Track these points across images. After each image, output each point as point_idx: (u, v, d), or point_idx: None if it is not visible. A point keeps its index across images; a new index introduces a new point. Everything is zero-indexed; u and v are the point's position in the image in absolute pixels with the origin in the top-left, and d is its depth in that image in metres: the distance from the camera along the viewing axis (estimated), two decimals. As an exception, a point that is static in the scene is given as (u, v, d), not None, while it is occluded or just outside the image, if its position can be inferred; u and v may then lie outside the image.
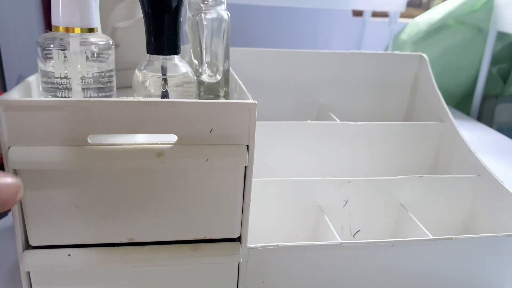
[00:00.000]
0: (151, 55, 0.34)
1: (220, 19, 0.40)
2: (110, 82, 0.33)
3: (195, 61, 0.41)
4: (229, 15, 0.40)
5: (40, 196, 0.30)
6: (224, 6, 0.40)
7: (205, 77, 0.41)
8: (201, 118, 0.30)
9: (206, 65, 0.40)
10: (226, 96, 0.43)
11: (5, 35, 0.81)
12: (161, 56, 0.34)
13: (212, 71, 0.41)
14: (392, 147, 0.56)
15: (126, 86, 0.35)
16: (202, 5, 0.39)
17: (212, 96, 0.42)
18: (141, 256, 0.32)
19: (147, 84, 0.33)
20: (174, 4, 0.32)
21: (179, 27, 0.33)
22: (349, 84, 0.64)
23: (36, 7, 0.82)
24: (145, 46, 0.34)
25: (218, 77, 0.41)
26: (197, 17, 0.39)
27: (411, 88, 0.65)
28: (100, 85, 0.32)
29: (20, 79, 0.80)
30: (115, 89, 0.34)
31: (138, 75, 0.34)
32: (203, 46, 0.40)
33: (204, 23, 0.39)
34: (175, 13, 0.32)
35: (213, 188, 0.32)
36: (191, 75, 0.35)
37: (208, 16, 0.39)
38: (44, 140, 0.28)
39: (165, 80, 0.34)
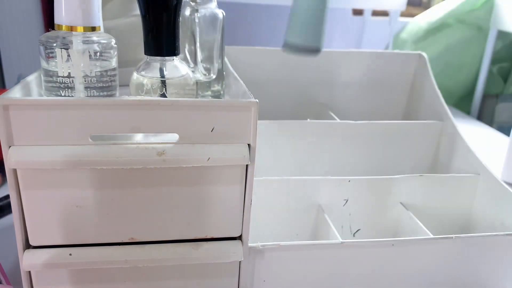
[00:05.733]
0: (148, 56, 0.33)
1: (214, 17, 0.40)
2: (113, 81, 0.33)
3: (190, 60, 0.41)
4: (224, 14, 0.40)
5: (41, 195, 0.30)
6: (215, 4, 0.40)
7: (199, 76, 0.41)
8: (202, 117, 0.30)
9: (200, 63, 0.40)
10: (221, 94, 0.43)
11: (5, 35, 0.81)
12: (159, 58, 0.33)
13: (206, 70, 0.41)
14: (392, 146, 0.56)
15: (120, 84, 0.35)
16: (192, 3, 0.39)
17: (208, 94, 0.42)
18: (143, 256, 0.32)
19: (145, 87, 0.33)
20: (173, 2, 0.31)
21: (178, 27, 0.33)
22: (348, 83, 0.64)
23: (36, 7, 0.82)
24: (138, 44, 0.33)
25: (213, 76, 0.41)
26: (191, 15, 0.39)
27: (410, 87, 0.65)
28: (102, 84, 0.32)
29: (19, 78, 0.80)
30: (117, 88, 0.34)
31: (136, 77, 0.33)
32: (197, 44, 0.40)
33: (196, 21, 0.39)
34: (174, 12, 0.31)
35: (215, 187, 0.32)
36: (190, 76, 0.34)
37: (201, 14, 0.39)
38: (44, 139, 0.28)
39: (163, 82, 0.33)
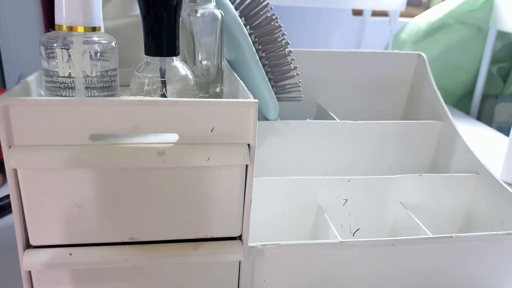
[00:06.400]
0: (149, 57, 0.33)
1: (212, 17, 0.40)
2: (113, 81, 0.33)
3: (189, 60, 0.41)
4: (223, 14, 0.40)
5: (41, 195, 0.30)
6: (214, 4, 0.40)
7: (198, 75, 0.41)
8: (202, 117, 0.30)
9: (199, 64, 0.40)
10: (220, 94, 0.43)
11: (5, 35, 0.81)
12: (159, 58, 0.33)
13: (205, 70, 0.41)
14: (391, 146, 0.56)
15: (121, 85, 0.35)
16: (191, 3, 0.40)
17: (207, 95, 0.42)
18: (143, 255, 0.32)
19: (145, 87, 0.33)
20: (173, 3, 0.31)
21: (178, 27, 0.33)
22: (348, 83, 0.64)
23: (36, 7, 0.82)
24: (137, 44, 0.33)
25: (212, 76, 0.41)
26: (190, 16, 0.39)
27: (410, 87, 0.66)
28: (103, 84, 0.32)
29: (20, 78, 0.80)
30: (118, 88, 0.34)
31: (136, 77, 0.33)
32: (197, 45, 0.40)
33: (195, 21, 0.39)
34: (174, 12, 0.32)
35: (214, 186, 0.32)
36: (190, 77, 0.34)
37: (201, 14, 0.39)
38: (45, 139, 0.29)
39: (163, 82, 0.33)
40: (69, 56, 0.30)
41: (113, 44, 0.32)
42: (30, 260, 0.31)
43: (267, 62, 0.49)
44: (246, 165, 0.32)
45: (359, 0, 1.08)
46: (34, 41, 0.82)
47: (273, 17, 0.47)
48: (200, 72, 0.41)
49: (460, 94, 1.17)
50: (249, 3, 0.46)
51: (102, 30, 0.33)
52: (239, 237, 0.34)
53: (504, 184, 0.46)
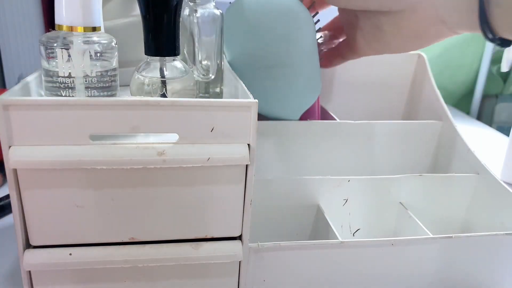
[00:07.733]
0: (149, 56, 0.33)
1: (212, 17, 0.40)
2: (113, 81, 0.33)
3: (189, 60, 0.41)
4: (222, 13, 0.41)
5: (41, 195, 0.30)
6: (213, 4, 0.40)
7: (198, 76, 0.41)
8: (202, 117, 0.30)
9: (199, 64, 0.40)
10: (220, 94, 0.43)
11: (5, 35, 0.81)
12: (158, 58, 0.33)
13: (205, 70, 0.41)
14: (391, 146, 0.56)
15: (121, 84, 0.35)
16: (190, 3, 0.40)
17: (207, 95, 0.42)
18: (143, 256, 0.32)
19: (145, 87, 0.33)
20: (173, 3, 0.31)
21: (179, 27, 0.33)
22: (348, 83, 0.64)
23: (36, 7, 0.82)
24: (137, 44, 0.33)
25: (212, 76, 0.41)
26: (190, 16, 0.39)
27: (410, 87, 0.65)
28: (103, 84, 0.32)
29: (20, 78, 0.80)
30: (118, 88, 0.34)
31: (136, 77, 0.33)
32: (196, 45, 0.40)
33: (195, 21, 0.39)
34: (174, 12, 0.32)
35: (214, 186, 0.32)
36: (190, 77, 0.35)
37: (200, 14, 0.39)
38: (45, 139, 0.29)
39: (163, 82, 0.33)
40: (69, 56, 0.30)
41: (113, 44, 0.32)
42: (30, 260, 0.31)
43: None
44: (246, 165, 0.32)
45: (359, 0, 1.07)
46: (34, 41, 0.82)
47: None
48: (200, 72, 0.41)
49: (460, 94, 1.16)
50: None
51: (102, 30, 0.33)
52: (239, 237, 0.34)
53: (504, 184, 0.46)
